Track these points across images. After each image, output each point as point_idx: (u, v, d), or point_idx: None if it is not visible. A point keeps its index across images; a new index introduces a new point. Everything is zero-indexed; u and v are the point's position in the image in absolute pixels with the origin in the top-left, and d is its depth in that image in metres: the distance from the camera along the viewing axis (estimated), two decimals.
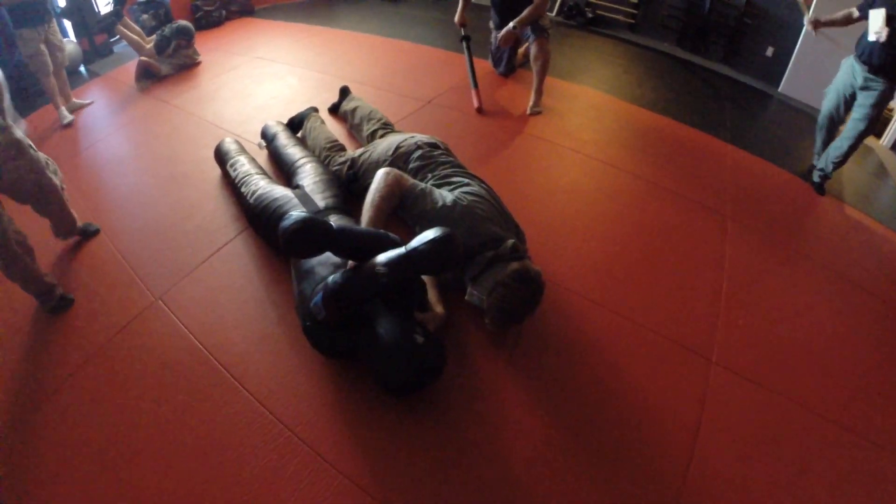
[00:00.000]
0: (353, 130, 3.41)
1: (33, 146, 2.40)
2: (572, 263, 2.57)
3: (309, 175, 2.57)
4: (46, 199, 2.47)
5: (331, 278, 1.71)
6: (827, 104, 3.51)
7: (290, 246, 1.66)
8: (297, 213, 1.74)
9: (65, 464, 1.83)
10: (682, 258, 2.69)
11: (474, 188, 2.29)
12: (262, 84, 4.42)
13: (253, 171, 2.69)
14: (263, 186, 2.49)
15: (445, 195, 2.16)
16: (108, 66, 5.32)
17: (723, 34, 5.44)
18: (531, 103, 3.79)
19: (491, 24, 4.15)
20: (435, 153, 2.56)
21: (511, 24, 3.75)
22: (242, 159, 2.83)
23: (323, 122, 3.35)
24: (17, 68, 4.31)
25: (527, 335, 2.20)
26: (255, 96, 4.21)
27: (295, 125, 3.44)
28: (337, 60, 4.77)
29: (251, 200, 2.46)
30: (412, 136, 2.67)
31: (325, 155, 2.93)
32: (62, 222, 2.62)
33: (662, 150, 3.56)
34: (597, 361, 2.14)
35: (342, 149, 3.02)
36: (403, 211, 2.17)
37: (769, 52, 5.19)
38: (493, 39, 4.19)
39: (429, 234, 1.66)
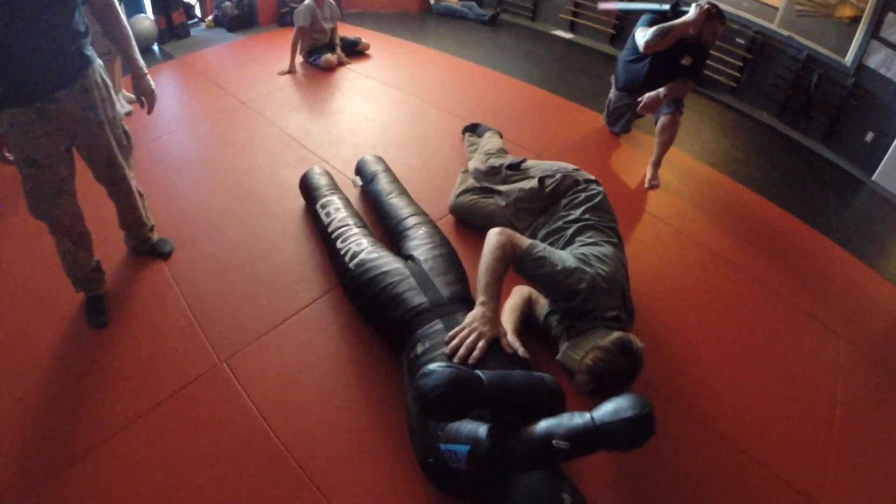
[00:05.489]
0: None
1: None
2: (667, 363, 2.19)
3: (424, 245, 2.12)
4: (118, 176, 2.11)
5: (482, 431, 1.29)
6: None
7: (431, 412, 1.31)
8: (439, 366, 1.33)
9: None
10: (790, 379, 2.27)
11: (607, 249, 2.09)
12: (352, 99, 4.07)
13: (351, 221, 2.28)
14: (367, 249, 2.07)
15: (566, 258, 1.96)
16: (183, 49, 5.01)
17: (825, 112, 5.08)
18: (649, 176, 3.37)
19: (613, 80, 3.74)
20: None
21: (663, 92, 3.36)
22: (337, 201, 2.43)
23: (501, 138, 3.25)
24: None
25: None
26: (344, 114, 3.85)
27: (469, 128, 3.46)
28: (432, 85, 4.40)
29: (350, 264, 2.04)
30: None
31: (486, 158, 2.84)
32: (131, 224, 2.33)
33: (771, 243, 3.13)
34: (686, 484, 1.78)
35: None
36: (518, 270, 1.95)
37: (869, 137, 4.79)
38: (612, 96, 3.79)
39: (625, 410, 1.24)
